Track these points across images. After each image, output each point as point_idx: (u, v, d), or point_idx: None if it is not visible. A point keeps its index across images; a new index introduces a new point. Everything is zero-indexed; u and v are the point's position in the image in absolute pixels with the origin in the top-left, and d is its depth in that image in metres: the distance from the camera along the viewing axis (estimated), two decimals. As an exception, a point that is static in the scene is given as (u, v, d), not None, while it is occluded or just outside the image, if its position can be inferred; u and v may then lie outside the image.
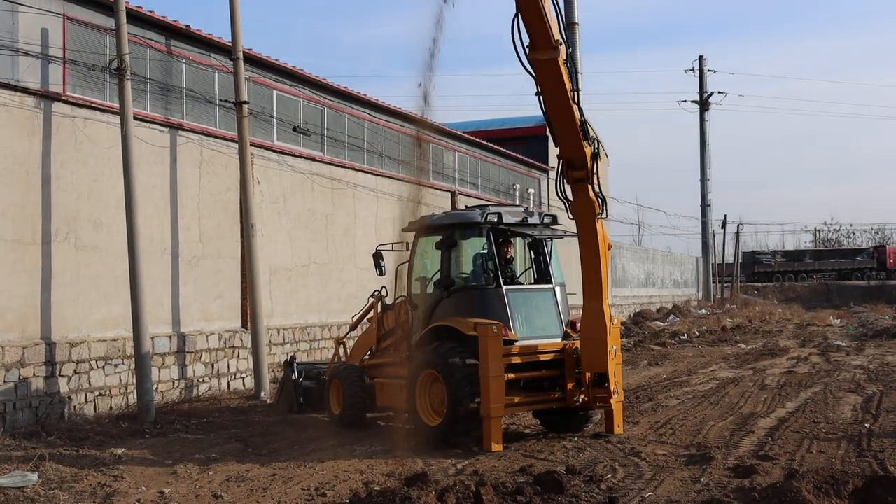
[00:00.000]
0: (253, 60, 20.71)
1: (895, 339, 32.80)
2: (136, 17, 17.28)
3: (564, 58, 11.85)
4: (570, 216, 13.08)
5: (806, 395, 17.99)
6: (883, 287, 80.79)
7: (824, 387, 19.25)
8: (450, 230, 13.90)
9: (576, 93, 12.30)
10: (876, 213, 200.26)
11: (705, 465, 11.45)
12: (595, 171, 12.76)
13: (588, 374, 13.27)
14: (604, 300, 13.19)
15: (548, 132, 12.77)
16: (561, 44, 11.66)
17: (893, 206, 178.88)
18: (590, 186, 12.74)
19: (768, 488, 9.48)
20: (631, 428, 14.41)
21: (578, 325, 13.94)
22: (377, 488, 9.80)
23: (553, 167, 40.65)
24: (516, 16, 11.51)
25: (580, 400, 13.42)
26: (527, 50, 11.74)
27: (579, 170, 12.60)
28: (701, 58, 66.61)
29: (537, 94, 12.32)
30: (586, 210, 12.83)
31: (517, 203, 32.85)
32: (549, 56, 11.67)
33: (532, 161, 38.93)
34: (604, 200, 12.97)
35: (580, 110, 12.40)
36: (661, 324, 43.47)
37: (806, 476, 9.54)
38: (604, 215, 13.00)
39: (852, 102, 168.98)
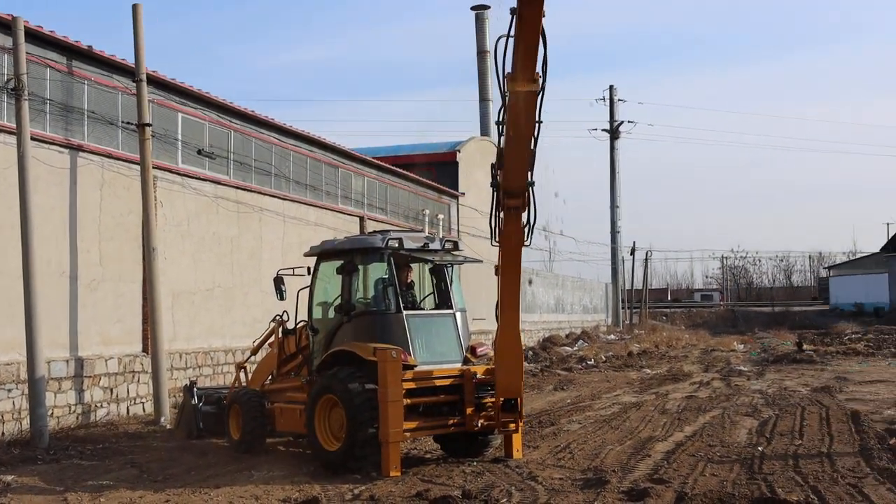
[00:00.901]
0: (157, 82, 20.51)
1: (795, 365, 33.55)
2: (35, 37, 17.01)
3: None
4: (495, 242, 12.78)
5: (704, 420, 18.30)
6: (786, 313, 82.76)
7: (723, 411, 19.61)
8: (350, 255, 13.90)
9: (538, 124, 12.19)
10: (781, 241, 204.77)
11: (600, 488, 11.58)
12: (532, 200, 12.66)
13: (499, 399, 13.34)
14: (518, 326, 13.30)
15: (494, 163, 12.38)
16: (540, 77, 11.60)
17: (797, 234, 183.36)
18: (522, 215, 12.72)
19: (659, 511, 9.64)
20: (531, 452, 14.52)
21: (478, 350, 14.05)
22: (270, 514, 9.73)
23: (463, 192, 40.86)
24: (507, 38, 11.39)
25: (479, 424, 13.49)
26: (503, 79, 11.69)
27: (517, 198, 12.44)
28: (611, 87, 67.61)
29: (499, 123, 12.15)
30: (515, 238, 12.68)
31: (426, 229, 32.99)
32: (529, 88, 11.54)
33: (442, 187, 39.12)
34: (531, 229, 12.93)
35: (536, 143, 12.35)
36: (570, 349, 43.87)
37: (695, 499, 9.76)
38: (528, 243, 12.95)
39: (757, 133, 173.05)
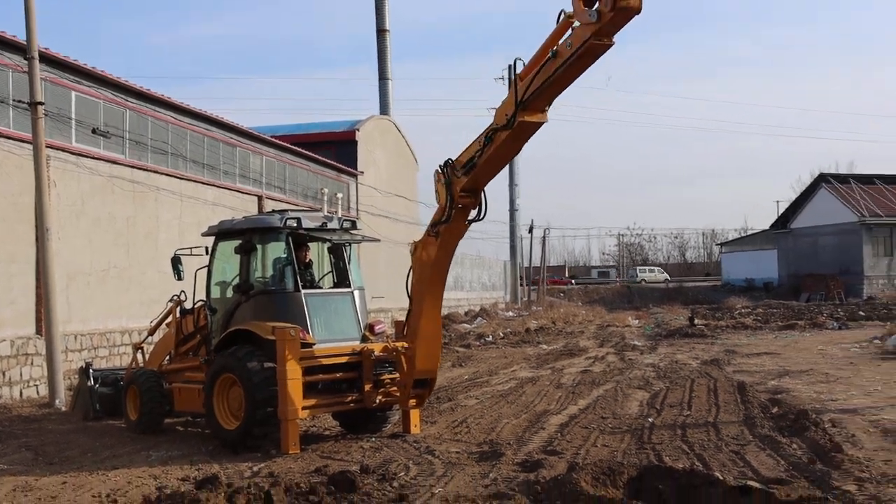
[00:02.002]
0: (50, 60, 20.16)
1: (686, 339, 34.44)
2: (-80, 12, 16.59)
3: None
4: (433, 232, 12.97)
5: (598, 393, 18.76)
6: (680, 289, 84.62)
7: (616, 384, 20.12)
8: (248, 235, 13.93)
9: None
10: (676, 219, 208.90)
11: (495, 461, 11.87)
12: (484, 200, 12.79)
13: (411, 378, 13.56)
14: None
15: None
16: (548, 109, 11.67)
17: (692, 212, 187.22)
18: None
19: (550, 481, 9.93)
20: (428, 427, 14.77)
21: (376, 327, 14.24)
22: (168, 492, 9.78)
23: (362, 171, 40.86)
24: (540, 69, 11.01)
25: (377, 401, 13.69)
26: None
27: (472, 198, 12.62)
28: (511, 66, 67.98)
29: (491, 133, 11.93)
30: (458, 231, 12.95)
31: (325, 208, 32.97)
32: (540, 120, 11.60)
33: (341, 166, 39.12)
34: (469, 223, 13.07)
35: None
36: (468, 326, 44.28)
37: (585, 468, 10.04)
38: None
39: (657, 114, 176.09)
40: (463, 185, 12.38)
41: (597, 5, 9.99)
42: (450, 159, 12.63)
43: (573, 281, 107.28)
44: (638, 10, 9.90)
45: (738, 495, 9.00)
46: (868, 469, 10.50)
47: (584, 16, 10.09)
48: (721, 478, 9.61)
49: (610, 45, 10.36)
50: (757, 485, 9.44)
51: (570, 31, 10.57)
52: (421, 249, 13.24)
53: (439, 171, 12.73)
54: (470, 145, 12.42)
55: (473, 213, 12.86)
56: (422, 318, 13.23)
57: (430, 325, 13.37)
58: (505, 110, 11.62)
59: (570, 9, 10.47)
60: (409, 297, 13.48)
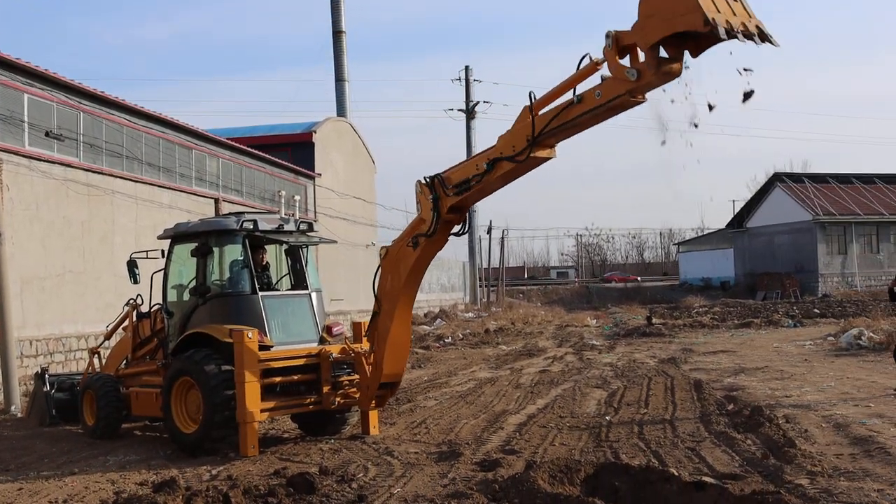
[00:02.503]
0: (1, 62, 19.94)
1: (644, 338, 34.69)
2: None
3: None
4: (410, 244, 12.69)
5: (556, 392, 18.87)
6: (638, 289, 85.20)
7: (574, 384, 20.24)
8: (205, 237, 13.89)
9: None
10: (634, 219, 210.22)
11: (454, 460, 11.93)
12: (468, 222, 12.91)
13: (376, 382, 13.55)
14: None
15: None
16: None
17: (649, 211, 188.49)
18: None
19: (508, 479, 10.00)
20: (387, 429, 14.79)
21: (334, 329, 14.26)
22: (125, 496, 9.74)
23: (319, 173, 40.78)
24: (561, 111, 10.67)
25: (336, 403, 13.70)
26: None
27: (457, 214, 12.46)
28: (467, 68, 68.24)
29: (494, 161, 11.54)
30: (439, 244, 12.76)
31: (282, 210, 32.87)
32: (549, 156, 11.37)
33: (298, 168, 39.02)
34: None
35: None
36: (428, 328, 44.33)
37: (542, 466, 10.13)
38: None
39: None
40: (453, 204, 12.19)
41: (635, 63, 9.70)
42: (438, 175, 12.29)
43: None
44: (678, 75, 9.75)
45: (693, 491, 9.12)
46: (820, 463, 10.66)
47: (620, 72, 9.80)
48: (676, 474, 9.74)
49: (643, 102, 10.15)
50: (711, 480, 9.58)
51: (597, 79, 10.23)
52: (396, 257, 13.03)
53: (425, 185, 12.38)
54: (464, 166, 12.18)
55: (456, 228, 12.75)
56: (393, 323, 13.11)
57: (400, 330, 13.32)
58: (512, 141, 11.25)
59: (595, 54, 10.19)
60: (375, 298, 13.37)
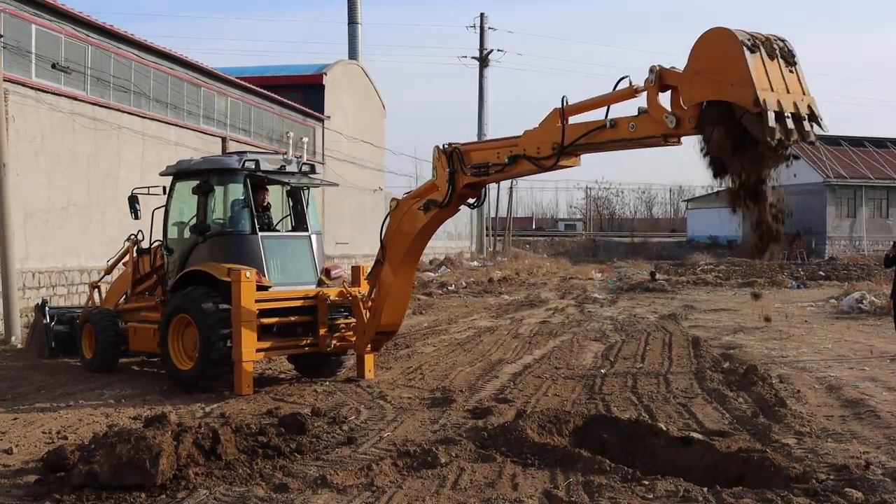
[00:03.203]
0: (9, -8, 19.84)
1: (647, 293, 34.67)
2: None
3: None
4: (438, 203, 12.24)
5: (554, 343, 18.93)
6: (645, 244, 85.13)
7: (573, 336, 20.29)
8: (206, 175, 13.86)
9: None
10: (644, 174, 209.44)
11: (446, 407, 12.01)
12: (483, 196, 12.71)
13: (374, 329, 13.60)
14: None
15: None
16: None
17: (659, 167, 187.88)
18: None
19: (497, 427, 10.07)
20: (383, 373, 14.86)
21: (333, 272, 14.28)
22: (117, 429, 9.82)
23: (329, 116, 40.64)
24: (592, 131, 10.20)
25: (332, 345, 13.76)
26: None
27: (472, 190, 12.17)
28: (482, 15, 67.84)
29: (516, 156, 11.10)
30: (451, 213, 12.55)
31: (290, 151, 32.77)
32: (574, 164, 10.93)
33: (307, 110, 38.88)
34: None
35: None
36: (432, 275, 44.37)
37: (532, 416, 10.20)
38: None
39: (620, 66, 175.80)
40: (468, 182, 11.93)
41: (676, 107, 9.22)
42: (457, 148, 11.94)
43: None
44: None
45: (680, 446, 9.19)
46: (809, 424, 10.70)
47: (659, 113, 9.30)
48: (665, 429, 9.80)
49: (678, 144, 9.74)
50: (699, 436, 9.63)
51: (634, 105, 9.78)
52: (405, 216, 12.83)
53: (443, 154, 12.03)
54: (485, 146, 11.90)
55: (471, 199, 12.56)
56: (395, 276, 13.08)
57: (402, 284, 13.31)
58: (538, 142, 10.80)
59: (635, 78, 9.76)
60: (381, 245, 13.24)
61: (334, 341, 13.81)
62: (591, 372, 15.20)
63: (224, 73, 31.97)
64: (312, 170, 14.62)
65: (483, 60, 67.89)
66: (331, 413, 11.43)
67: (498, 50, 68.29)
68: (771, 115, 8.16)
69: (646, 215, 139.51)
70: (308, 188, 14.62)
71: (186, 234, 14.19)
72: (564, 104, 10.41)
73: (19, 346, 17.92)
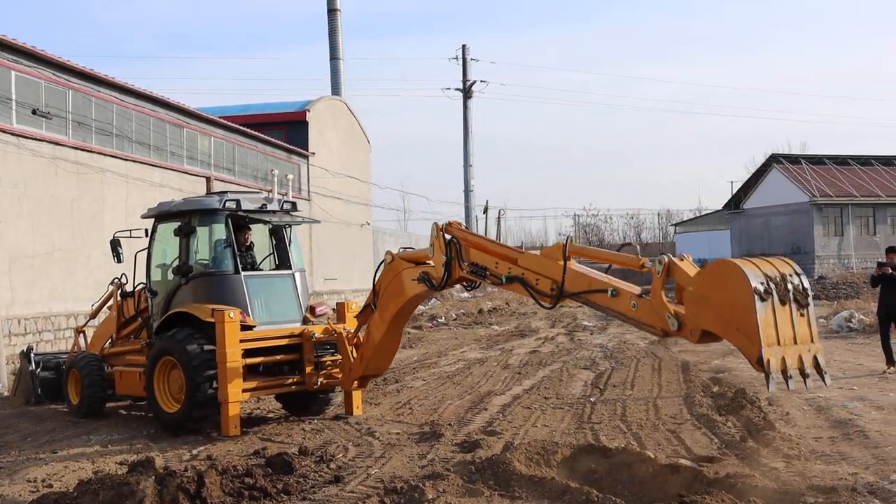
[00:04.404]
0: (-13, 39, 19.88)
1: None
2: None
3: None
4: (432, 284, 11.90)
5: (544, 373, 18.88)
6: (635, 269, 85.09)
7: (562, 364, 20.24)
8: (188, 216, 13.85)
9: None
10: (631, 199, 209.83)
11: (435, 441, 11.96)
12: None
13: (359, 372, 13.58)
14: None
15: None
16: None
17: (646, 192, 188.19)
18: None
19: (485, 461, 10.03)
20: (371, 409, 14.80)
21: (317, 309, 14.23)
22: (101, 476, 9.74)
23: (313, 152, 40.61)
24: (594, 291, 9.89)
25: (319, 383, 13.71)
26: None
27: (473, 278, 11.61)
28: (464, 47, 68.06)
29: (513, 278, 10.72)
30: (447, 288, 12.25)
31: (275, 190, 32.81)
32: (569, 305, 10.85)
33: (291, 147, 38.94)
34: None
35: None
36: (422, 307, 44.28)
37: (520, 448, 10.14)
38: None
39: (608, 94, 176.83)
40: (464, 276, 11.56)
41: (679, 310, 8.76)
42: (454, 239, 11.51)
43: None
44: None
45: (668, 473, 9.15)
46: (797, 446, 10.68)
47: (661, 308, 8.87)
48: (653, 456, 9.77)
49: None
50: (687, 463, 9.62)
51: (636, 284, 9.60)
52: (399, 278, 12.54)
53: (442, 238, 11.61)
54: (485, 247, 11.33)
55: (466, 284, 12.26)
56: (385, 331, 12.97)
57: (391, 337, 13.23)
58: (538, 272, 10.37)
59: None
60: (374, 291, 13.04)
61: (321, 378, 13.76)
62: (581, 401, 15.15)
63: (206, 112, 32.03)
64: (294, 207, 14.62)
65: (466, 92, 68.08)
66: (318, 451, 11.37)
67: (481, 81, 68.55)
68: (773, 377, 7.78)
69: (635, 240, 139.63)
70: (290, 226, 14.61)
71: (170, 275, 14.15)
72: (569, 243, 10.08)
73: (6, 393, 17.83)
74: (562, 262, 10.04)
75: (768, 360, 7.70)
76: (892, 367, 16.88)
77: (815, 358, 8.07)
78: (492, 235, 75.47)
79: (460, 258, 11.45)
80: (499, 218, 73.45)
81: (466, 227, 11.76)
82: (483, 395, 16.07)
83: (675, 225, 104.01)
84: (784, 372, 7.79)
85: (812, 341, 8.11)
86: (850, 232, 69.94)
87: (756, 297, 7.78)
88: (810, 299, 8.22)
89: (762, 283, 7.86)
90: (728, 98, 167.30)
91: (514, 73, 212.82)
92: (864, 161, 76.12)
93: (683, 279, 8.73)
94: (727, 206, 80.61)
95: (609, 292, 9.52)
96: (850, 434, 11.43)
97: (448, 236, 11.62)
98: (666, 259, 8.96)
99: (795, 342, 7.96)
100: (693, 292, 8.52)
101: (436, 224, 11.78)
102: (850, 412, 12.88)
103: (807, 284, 8.21)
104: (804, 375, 8.00)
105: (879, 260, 19.00)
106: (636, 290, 9.38)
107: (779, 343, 7.82)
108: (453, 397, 15.94)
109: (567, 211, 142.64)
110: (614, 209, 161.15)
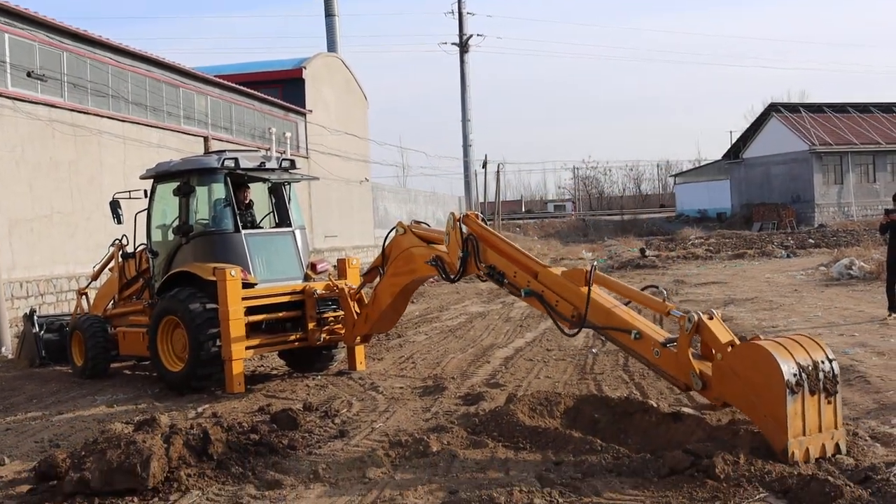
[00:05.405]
0: (-20, 2, 19.74)
1: (638, 270, 34.70)
2: None
3: None
4: (447, 275, 11.69)
5: (545, 326, 18.87)
6: (635, 221, 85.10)
7: (564, 317, 20.23)
8: (186, 176, 13.82)
9: None
10: (631, 151, 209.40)
11: (438, 395, 12.02)
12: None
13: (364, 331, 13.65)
14: None
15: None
16: None
17: (645, 143, 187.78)
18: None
19: (489, 413, 10.07)
20: (375, 364, 14.87)
21: (318, 266, 14.24)
22: (107, 436, 9.79)
23: (311, 110, 40.45)
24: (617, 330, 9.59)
25: (321, 339, 13.75)
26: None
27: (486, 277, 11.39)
28: (460, 0, 67.80)
29: (532, 292, 10.56)
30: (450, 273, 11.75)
31: (273, 148, 32.75)
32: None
33: (288, 105, 38.79)
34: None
35: None
36: (423, 263, 44.34)
37: (523, 399, 10.18)
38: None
39: (605, 45, 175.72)
40: (478, 272, 11.34)
41: (705, 370, 8.68)
42: (472, 236, 11.19)
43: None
44: None
45: (671, 421, 9.19)
46: (799, 392, 10.69)
47: (686, 365, 8.78)
48: (655, 405, 9.81)
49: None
50: (690, 411, 9.65)
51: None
52: (410, 255, 12.41)
53: (459, 231, 11.33)
54: (503, 250, 11.03)
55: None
56: (391, 302, 12.94)
57: (399, 303, 13.24)
58: (558, 290, 10.19)
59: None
60: (383, 255, 12.95)
61: (323, 335, 13.80)
62: (583, 352, 15.21)
63: (202, 72, 31.88)
64: (293, 165, 14.57)
65: (463, 46, 67.81)
66: (323, 407, 11.43)
67: (478, 35, 68.25)
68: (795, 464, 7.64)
69: (634, 192, 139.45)
70: (289, 183, 14.59)
71: (170, 235, 14.15)
72: (593, 270, 9.92)
73: (10, 356, 17.88)
74: (585, 289, 9.82)
75: (793, 452, 7.64)
76: (894, 314, 16.90)
77: (836, 445, 7.96)
78: (491, 190, 75.42)
79: (477, 257, 11.15)
80: (498, 172, 73.32)
81: (483, 221, 11.39)
82: (485, 349, 16.13)
83: (675, 176, 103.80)
84: (805, 461, 7.71)
85: (836, 427, 8.00)
86: (850, 180, 69.83)
87: (787, 390, 7.66)
88: (839, 386, 8.10)
89: (794, 375, 7.71)
90: (727, 47, 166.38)
91: (510, 27, 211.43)
92: (863, 108, 75.84)
93: (713, 343, 8.61)
94: (726, 156, 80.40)
95: (633, 335, 9.32)
96: (851, 380, 11.46)
97: (465, 229, 11.32)
98: (695, 317, 8.71)
99: (820, 430, 7.86)
100: (723, 364, 8.38)
101: (453, 214, 11.54)
102: (852, 358, 12.91)
103: (837, 370, 8.06)
104: (824, 457, 7.91)
105: (887, 207, 18.94)
106: (661, 336, 9.25)
107: (804, 434, 7.74)
108: (456, 351, 16.00)
109: (566, 164, 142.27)
110: (613, 161, 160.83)
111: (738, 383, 8.13)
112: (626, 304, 9.92)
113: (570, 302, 10.01)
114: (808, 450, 7.71)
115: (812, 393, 7.76)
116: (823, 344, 8.14)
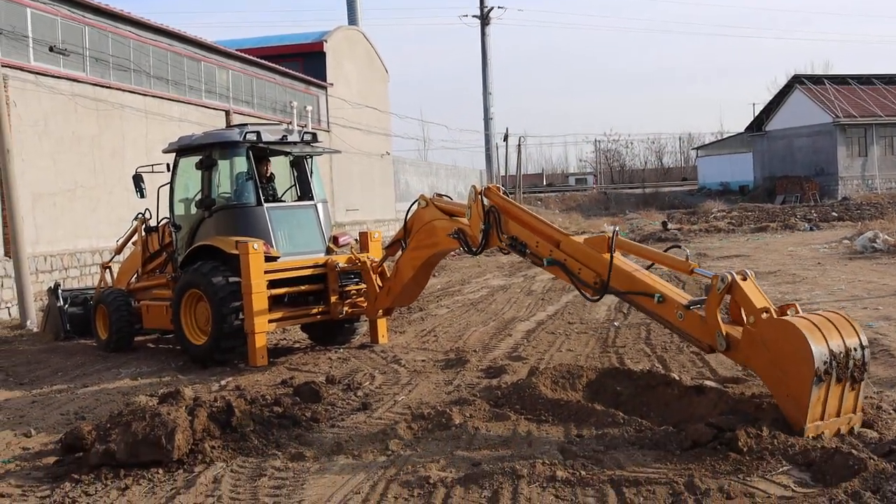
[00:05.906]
0: (2, -23, 19.77)
1: (660, 243, 34.54)
2: None
3: None
4: (469, 248, 11.76)
5: (567, 299, 18.90)
6: (657, 194, 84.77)
7: (586, 290, 20.21)
8: (208, 150, 13.83)
9: None
10: (652, 124, 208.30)
11: (460, 368, 12.05)
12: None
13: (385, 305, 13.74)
14: None
15: None
16: None
17: (666, 116, 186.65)
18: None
19: (511, 385, 10.09)
20: (397, 337, 14.90)
21: (340, 239, 14.25)
22: (132, 408, 9.87)
23: (332, 83, 40.40)
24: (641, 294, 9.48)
25: (343, 312, 13.79)
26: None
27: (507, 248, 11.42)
28: (612, 237, 67.09)
29: (556, 261, 10.53)
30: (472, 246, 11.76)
31: (294, 121, 32.77)
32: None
33: (310, 78, 38.76)
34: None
35: None
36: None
37: (545, 372, 10.18)
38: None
39: (622, 17, 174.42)
40: (500, 244, 11.35)
41: (732, 333, 8.51)
42: (494, 208, 11.17)
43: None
44: None
45: (693, 394, 9.18)
46: (823, 365, 10.65)
47: (713, 325, 8.62)
48: (678, 378, 9.80)
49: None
50: (712, 384, 9.63)
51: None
52: (432, 228, 12.45)
53: (480, 203, 11.33)
54: (524, 220, 11.02)
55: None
56: (413, 276, 13.02)
57: (422, 277, 13.31)
58: (581, 259, 10.11)
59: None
60: (405, 228, 13.03)
61: (346, 308, 13.84)
62: (605, 325, 15.20)
63: (224, 46, 31.87)
64: (314, 138, 14.57)
65: (484, 18, 67.50)
66: (345, 380, 11.46)
67: (499, 7, 67.90)
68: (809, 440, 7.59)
69: (656, 165, 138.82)
70: (311, 157, 14.59)
71: (192, 209, 14.19)
72: (615, 235, 9.81)
73: (35, 329, 18.01)
74: (607, 256, 9.78)
75: (808, 436, 7.59)
76: (917, 286, 16.80)
77: (852, 428, 7.88)
78: (512, 163, 75.24)
79: (499, 228, 11.17)
80: (519, 145, 73.07)
81: (504, 194, 11.37)
82: (507, 322, 16.14)
83: (697, 149, 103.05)
84: (818, 437, 7.65)
85: (854, 412, 7.92)
86: (875, 152, 69.29)
87: (815, 377, 7.53)
88: (867, 374, 8.01)
89: (825, 363, 7.55)
90: (750, 18, 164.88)
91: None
92: (888, 80, 75.12)
93: (747, 306, 8.36)
94: (749, 128, 79.88)
95: (655, 298, 9.21)
96: (874, 353, 11.36)
97: (486, 201, 11.29)
98: (729, 278, 8.45)
99: (838, 415, 7.78)
100: (754, 332, 8.20)
101: (474, 187, 11.54)
102: (875, 332, 12.85)
103: (868, 357, 7.91)
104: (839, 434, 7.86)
105: None
106: (684, 299, 9.13)
107: (822, 419, 7.68)
108: (478, 324, 16.02)
109: (588, 137, 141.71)
110: (635, 134, 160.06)
111: (766, 355, 8.03)
112: (648, 269, 9.84)
113: (593, 269, 9.97)
114: (823, 433, 7.66)
115: (839, 381, 7.67)
116: (858, 327, 7.99)
